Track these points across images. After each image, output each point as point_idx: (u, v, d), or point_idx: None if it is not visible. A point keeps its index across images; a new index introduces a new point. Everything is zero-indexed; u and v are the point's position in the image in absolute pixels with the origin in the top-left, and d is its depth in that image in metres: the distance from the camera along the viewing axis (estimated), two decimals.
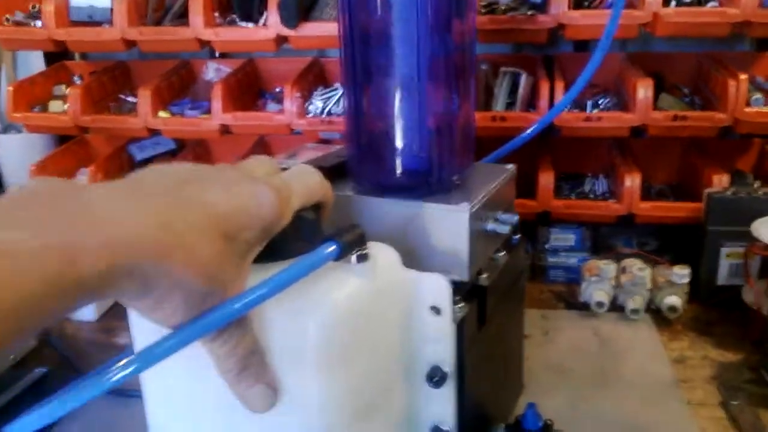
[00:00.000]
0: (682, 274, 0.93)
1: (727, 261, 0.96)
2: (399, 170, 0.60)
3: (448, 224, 0.56)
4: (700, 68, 1.06)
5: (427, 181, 0.59)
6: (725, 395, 0.77)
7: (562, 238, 1.05)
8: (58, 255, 0.30)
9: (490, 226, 0.61)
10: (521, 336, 0.77)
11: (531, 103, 1.03)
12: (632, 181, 0.99)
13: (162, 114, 1.08)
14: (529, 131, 0.80)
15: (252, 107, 1.14)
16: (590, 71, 0.77)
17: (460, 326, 0.54)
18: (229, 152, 1.19)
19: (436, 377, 0.52)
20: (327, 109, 1.07)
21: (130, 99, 1.19)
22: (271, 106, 1.12)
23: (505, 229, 0.61)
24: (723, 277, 0.96)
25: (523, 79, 1.01)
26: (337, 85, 1.14)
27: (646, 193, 1.05)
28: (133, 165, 1.20)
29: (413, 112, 0.59)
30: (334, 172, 0.64)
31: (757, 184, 1.02)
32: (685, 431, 0.73)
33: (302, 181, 0.45)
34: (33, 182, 0.38)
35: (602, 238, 1.08)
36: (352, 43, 0.58)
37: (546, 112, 0.97)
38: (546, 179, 1.01)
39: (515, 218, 0.64)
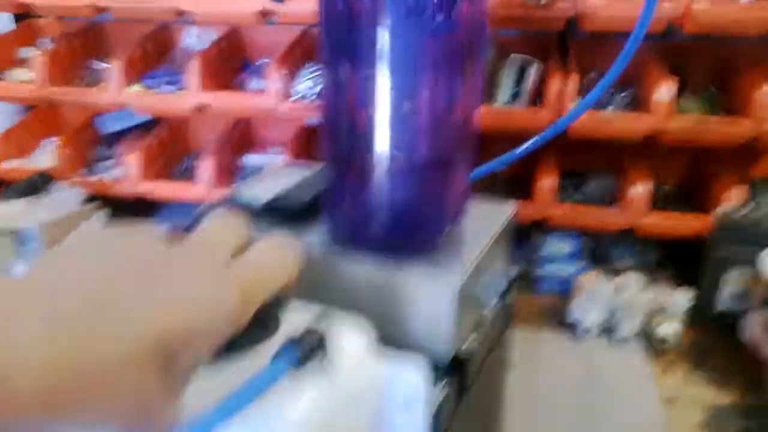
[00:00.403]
0: (682, 302, 0.87)
1: (729, 287, 0.90)
2: (379, 221, 0.53)
3: (432, 296, 0.50)
4: (727, 65, 0.97)
5: (412, 238, 0.52)
6: None
7: (558, 246, 0.98)
8: None
9: (482, 292, 0.54)
10: (503, 388, 0.71)
11: (538, 93, 0.94)
12: (641, 188, 0.92)
13: (135, 87, 0.99)
14: (541, 136, 0.71)
15: (232, 82, 1.05)
16: (620, 67, 0.66)
17: (437, 415, 0.48)
18: (208, 130, 1.11)
19: None
20: (317, 90, 0.99)
21: (102, 65, 1.10)
22: (254, 82, 1.03)
23: (495, 301, 0.55)
24: (724, 303, 0.91)
25: (534, 70, 0.92)
26: None
27: (654, 195, 0.98)
28: (102, 138, 1.12)
29: (400, 147, 0.51)
30: (304, 212, 0.57)
31: None
32: None
33: (274, 266, 0.37)
34: None
35: (601, 247, 1.01)
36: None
37: (555, 107, 0.89)
38: (546, 182, 0.94)
39: (510, 277, 0.57)
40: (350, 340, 0.43)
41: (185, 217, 0.87)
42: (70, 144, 1.06)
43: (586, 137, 0.92)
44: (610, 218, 0.94)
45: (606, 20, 0.85)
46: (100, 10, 0.96)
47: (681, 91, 0.91)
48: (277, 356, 0.37)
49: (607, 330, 0.91)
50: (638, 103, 0.94)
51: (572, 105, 0.90)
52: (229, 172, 1.08)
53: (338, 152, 0.52)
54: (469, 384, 0.55)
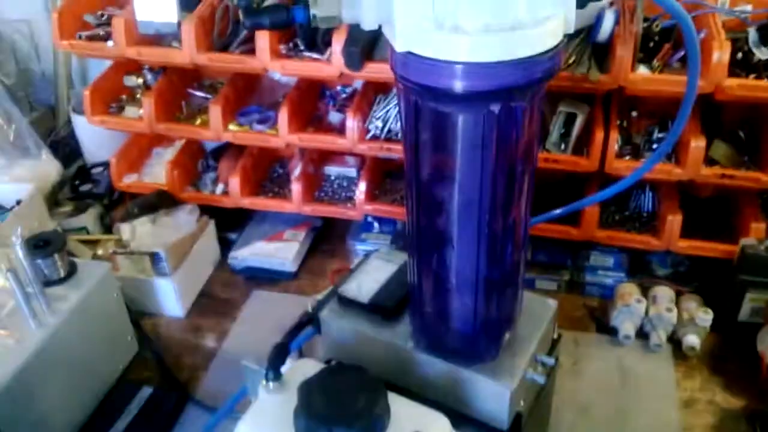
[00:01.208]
0: (705, 318, 1.02)
1: (750, 304, 1.04)
2: (453, 334, 0.70)
3: (492, 394, 0.68)
4: (756, 114, 1.06)
5: (478, 349, 0.69)
6: None
7: (601, 260, 1.14)
8: None
9: (529, 374, 0.72)
10: (551, 407, 0.89)
11: (583, 141, 1.06)
12: (673, 222, 1.05)
13: (232, 127, 1.15)
14: (595, 197, 0.84)
15: (314, 112, 1.19)
16: (670, 143, 0.74)
17: None
18: None
19: None
20: (386, 127, 1.12)
21: (199, 94, 1.25)
22: (333, 115, 1.18)
23: (542, 380, 0.72)
24: (745, 315, 1.05)
25: (579, 121, 1.03)
26: (396, 90, 1.18)
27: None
28: (205, 153, 1.30)
29: (470, 283, 0.67)
30: (399, 309, 0.74)
31: None
32: None
33: None
34: None
35: (639, 257, 1.15)
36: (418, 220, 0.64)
37: (597, 156, 1.02)
38: (590, 213, 1.08)
39: (552, 361, 0.74)
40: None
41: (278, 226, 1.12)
42: (178, 163, 1.24)
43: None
44: (646, 242, 1.08)
45: (645, 91, 0.96)
46: (197, 65, 1.10)
47: (713, 136, 1.01)
48: None
49: (643, 335, 1.07)
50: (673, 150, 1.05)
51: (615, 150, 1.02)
52: (315, 184, 1.25)
53: (420, 269, 0.67)
54: (522, 429, 0.73)
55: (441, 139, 0.57)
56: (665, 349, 1.06)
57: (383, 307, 0.74)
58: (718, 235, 1.11)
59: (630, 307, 1.05)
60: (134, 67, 1.26)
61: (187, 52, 1.07)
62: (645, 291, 1.08)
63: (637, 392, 1.01)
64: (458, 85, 0.51)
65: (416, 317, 0.71)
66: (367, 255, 0.82)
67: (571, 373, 1.03)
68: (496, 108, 0.53)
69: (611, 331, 1.08)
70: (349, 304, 0.76)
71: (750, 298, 1.04)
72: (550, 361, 0.74)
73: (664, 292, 1.08)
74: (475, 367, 0.68)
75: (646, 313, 1.06)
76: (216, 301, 1.18)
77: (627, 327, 1.06)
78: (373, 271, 0.79)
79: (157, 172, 1.30)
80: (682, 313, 1.05)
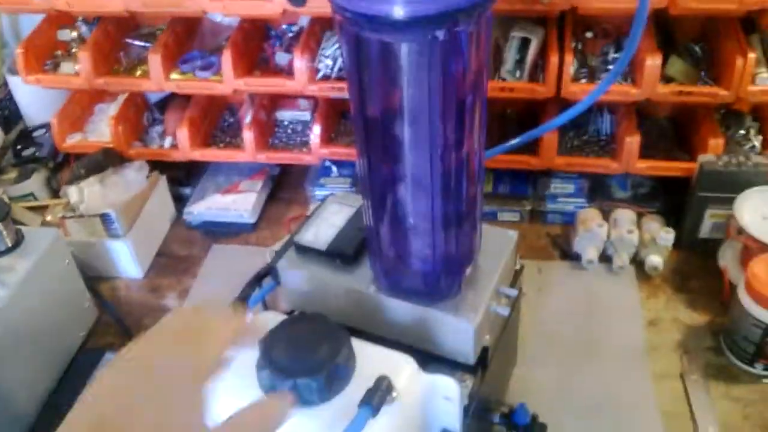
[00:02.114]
0: (667, 238, 1.03)
1: (710, 220, 1.05)
2: (413, 273, 0.69)
3: (457, 329, 0.67)
4: (711, 28, 1.04)
5: (439, 287, 0.68)
6: (685, 368, 0.93)
7: (561, 187, 1.13)
8: None
9: (493, 307, 0.71)
10: (517, 334, 0.90)
11: (539, 66, 1.04)
12: (631, 144, 1.04)
13: (174, 75, 1.10)
14: (551, 123, 0.83)
15: (260, 54, 1.14)
16: (624, 62, 0.72)
17: (471, 395, 0.67)
18: None
19: None
20: (337, 66, 1.08)
21: (137, 43, 1.19)
22: (280, 56, 1.13)
23: (506, 312, 0.71)
24: (705, 231, 1.06)
25: (533, 46, 1.01)
26: None
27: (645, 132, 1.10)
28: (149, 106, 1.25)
29: (427, 220, 0.65)
30: (357, 254, 0.72)
31: (751, 144, 1.07)
32: (645, 405, 0.89)
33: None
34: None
35: (599, 181, 1.15)
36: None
37: (554, 81, 0.99)
38: (549, 140, 1.06)
39: (515, 292, 0.73)
40: (404, 374, 0.61)
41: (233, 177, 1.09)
42: (123, 118, 1.18)
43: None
44: (606, 165, 1.08)
45: (599, 9, 0.94)
46: (132, 13, 1.04)
47: (668, 52, 0.99)
48: (362, 404, 0.54)
49: (606, 259, 1.07)
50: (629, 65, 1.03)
51: (570, 74, 1.00)
52: (268, 131, 1.21)
53: (375, 211, 0.65)
54: (489, 362, 0.73)
55: (386, 73, 0.54)
56: (628, 271, 1.06)
57: (342, 253, 0.72)
58: (677, 154, 1.11)
59: (591, 232, 1.05)
60: (68, 20, 1.19)
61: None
62: (606, 215, 1.08)
63: (602, 315, 1.02)
64: (399, 11, 0.47)
65: (375, 260, 0.69)
66: (323, 200, 0.79)
67: (536, 302, 1.03)
68: (441, 34, 0.50)
69: (574, 257, 1.09)
70: (306, 252, 0.73)
71: (710, 214, 1.04)
72: (513, 292, 0.74)
73: (625, 215, 1.08)
74: (437, 305, 0.67)
75: (608, 236, 1.06)
76: (174, 259, 1.15)
77: (589, 252, 1.06)
78: (329, 216, 0.76)
79: (102, 129, 1.24)
80: (644, 234, 1.05)
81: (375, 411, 0.55)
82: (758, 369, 0.90)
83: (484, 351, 0.70)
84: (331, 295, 0.72)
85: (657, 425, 0.86)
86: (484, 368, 0.72)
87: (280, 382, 0.56)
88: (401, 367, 0.61)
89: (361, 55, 0.54)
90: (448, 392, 0.63)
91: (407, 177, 0.60)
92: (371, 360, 0.60)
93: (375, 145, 0.60)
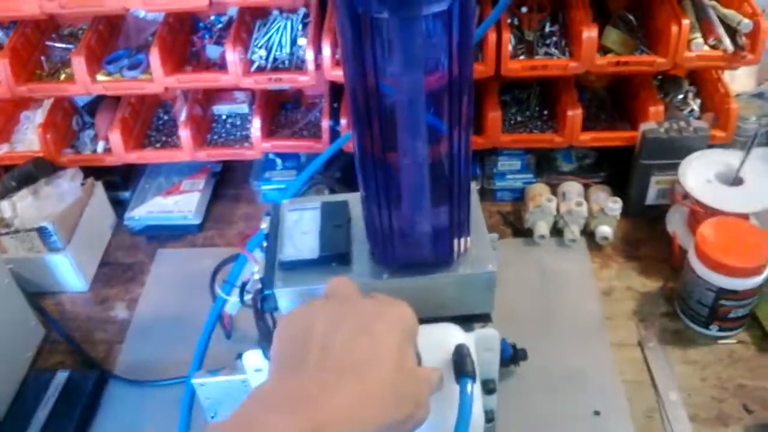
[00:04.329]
0: (615, 207, 1.03)
1: (656, 186, 1.06)
2: (423, 245, 0.65)
3: (477, 281, 0.66)
4: None
5: (450, 249, 0.65)
6: (642, 335, 0.94)
7: (508, 164, 1.12)
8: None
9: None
10: None
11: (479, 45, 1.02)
12: (573, 117, 1.04)
13: (100, 77, 1.05)
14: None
15: (190, 48, 1.10)
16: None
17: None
18: None
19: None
20: (272, 56, 1.05)
21: (59, 45, 1.13)
22: (211, 49, 1.08)
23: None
24: (652, 198, 1.07)
25: None
26: (276, 13, 1.09)
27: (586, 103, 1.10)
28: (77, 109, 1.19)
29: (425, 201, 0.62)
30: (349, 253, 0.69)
31: (690, 107, 1.08)
32: (605, 376, 0.90)
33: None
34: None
35: (545, 156, 1.15)
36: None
37: (493, 59, 0.98)
38: (493, 119, 1.05)
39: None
40: (460, 338, 0.60)
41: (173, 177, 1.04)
42: (50, 125, 1.12)
43: (521, 78, 1.03)
44: (550, 140, 1.08)
45: None
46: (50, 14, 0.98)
47: (604, 22, 0.99)
48: (460, 376, 0.55)
49: (557, 233, 1.08)
50: (566, 39, 1.02)
51: (509, 51, 0.99)
52: (205, 127, 1.17)
53: (372, 193, 0.62)
54: None
55: (383, 49, 0.51)
56: (580, 243, 1.07)
57: (338, 254, 0.67)
58: (618, 123, 1.12)
59: (541, 207, 1.05)
60: None
61: (35, 0, 0.95)
62: (554, 189, 1.09)
63: (558, 289, 1.02)
64: None
65: (381, 246, 0.65)
66: (271, 212, 0.74)
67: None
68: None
69: (526, 233, 1.09)
70: (296, 266, 0.67)
71: (655, 181, 1.05)
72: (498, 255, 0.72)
73: (572, 188, 1.08)
74: (454, 269, 0.66)
75: (558, 210, 1.06)
76: (119, 268, 1.11)
77: (541, 226, 1.06)
78: (294, 225, 0.71)
79: (30, 138, 1.18)
80: (592, 205, 1.06)
81: (473, 377, 0.55)
82: (713, 331, 0.91)
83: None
84: None
85: (620, 395, 0.87)
86: None
87: None
88: (452, 334, 0.61)
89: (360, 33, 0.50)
90: (490, 343, 0.65)
91: (406, 155, 0.58)
92: (424, 337, 0.57)
93: (371, 125, 0.57)
